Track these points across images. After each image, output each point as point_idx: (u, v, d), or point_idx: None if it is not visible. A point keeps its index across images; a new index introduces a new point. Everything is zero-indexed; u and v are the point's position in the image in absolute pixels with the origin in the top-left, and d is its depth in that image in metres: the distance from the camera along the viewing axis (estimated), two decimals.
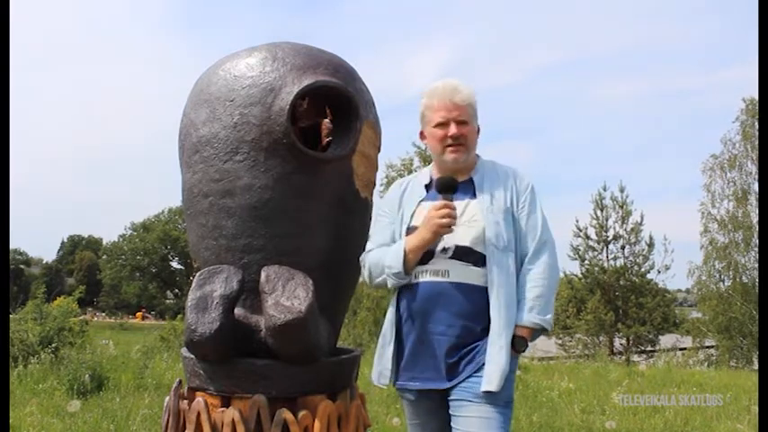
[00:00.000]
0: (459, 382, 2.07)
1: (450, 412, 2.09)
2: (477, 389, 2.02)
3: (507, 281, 2.08)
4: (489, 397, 2.01)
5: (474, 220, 2.13)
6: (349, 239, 2.36)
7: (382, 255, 2.19)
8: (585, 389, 7.43)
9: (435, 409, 2.14)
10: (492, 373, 2.01)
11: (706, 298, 21.10)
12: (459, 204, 2.15)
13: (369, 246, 2.28)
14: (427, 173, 2.30)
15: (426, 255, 2.12)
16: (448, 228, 2.05)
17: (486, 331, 2.07)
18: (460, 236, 2.10)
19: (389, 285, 2.19)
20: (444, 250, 2.11)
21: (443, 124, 2.17)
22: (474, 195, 2.18)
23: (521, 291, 2.11)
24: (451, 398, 2.08)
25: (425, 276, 2.13)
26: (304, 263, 2.24)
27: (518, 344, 2.08)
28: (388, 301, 2.30)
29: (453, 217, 2.04)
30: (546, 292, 2.11)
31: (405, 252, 2.11)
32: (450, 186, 2.10)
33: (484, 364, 2.03)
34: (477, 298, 2.08)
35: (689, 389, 7.50)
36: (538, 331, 2.14)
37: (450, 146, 2.17)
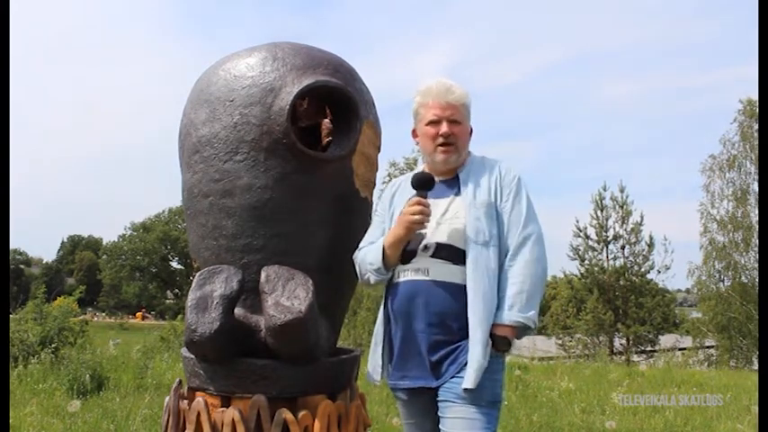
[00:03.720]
0: (444, 383, 2.06)
1: (438, 413, 2.08)
2: (459, 389, 2.01)
3: (486, 276, 2.05)
4: (471, 397, 2.00)
5: (456, 217, 2.11)
6: (349, 239, 2.36)
7: (367, 252, 2.21)
8: (585, 389, 7.42)
9: (428, 408, 2.13)
10: (469, 370, 1.99)
11: (706, 298, 21.11)
12: (444, 202, 2.15)
13: (361, 244, 2.29)
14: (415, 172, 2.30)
15: (409, 254, 2.12)
16: (420, 224, 2.05)
17: (467, 329, 2.05)
18: (442, 233, 2.10)
19: (372, 281, 2.20)
20: (426, 248, 2.11)
21: (436, 122, 2.17)
22: (459, 192, 2.16)
23: (502, 288, 2.07)
24: (438, 398, 2.08)
25: (407, 275, 2.13)
26: (304, 263, 2.24)
27: (499, 343, 2.03)
28: None
29: (426, 213, 2.04)
30: (527, 288, 2.05)
31: (383, 248, 2.13)
32: (425, 183, 2.10)
33: (466, 364, 2.02)
34: (458, 296, 2.06)
35: (689, 389, 7.50)
36: (521, 329, 2.08)
37: (441, 145, 2.16)
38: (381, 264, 2.13)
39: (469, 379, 1.98)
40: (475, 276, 2.05)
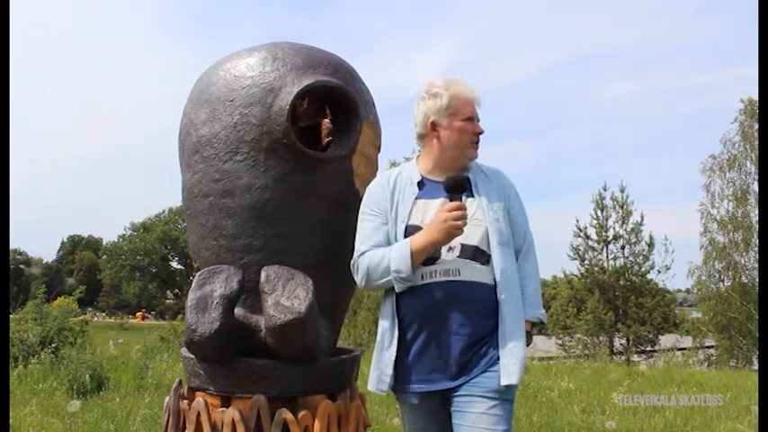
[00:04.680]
0: (469, 379, 2.05)
1: (455, 409, 2.06)
2: (489, 384, 2.01)
3: (513, 276, 2.13)
4: (503, 392, 2.03)
5: (475, 218, 2.12)
6: (349, 240, 2.36)
7: (382, 257, 2.10)
8: (585, 389, 7.42)
9: (435, 411, 2.13)
10: (511, 366, 2.02)
11: (706, 298, 21.11)
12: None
13: (361, 247, 2.17)
14: (415, 169, 2.25)
15: (432, 255, 2.09)
16: (460, 229, 2.04)
17: (495, 328, 2.08)
18: (465, 235, 2.09)
19: (397, 289, 2.11)
20: (450, 249, 2.09)
21: (471, 119, 2.18)
22: (471, 194, 2.17)
23: (520, 286, 2.17)
24: (458, 394, 2.05)
25: (436, 276, 2.08)
26: (304, 263, 2.24)
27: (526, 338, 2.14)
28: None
29: (465, 218, 2.03)
30: (538, 288, 2.21)
31: (411, 253, 2.05)
32: (461, 186, 2.07)
33: (498, 359, 2.04)
34: (486, 296, 2.08)
35: (689, 389, 7.50)
36: (536, 325, 2.21)
37: (475, 143, 2.20)
38: (411, 272, 2.06)
39: (513, 375, 2.02)
40: (505, 276, 2.10)
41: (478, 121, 2.21)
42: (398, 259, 2.06)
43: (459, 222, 2.01)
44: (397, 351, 2.13)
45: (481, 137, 2.21)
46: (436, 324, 2.08)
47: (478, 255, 2.10)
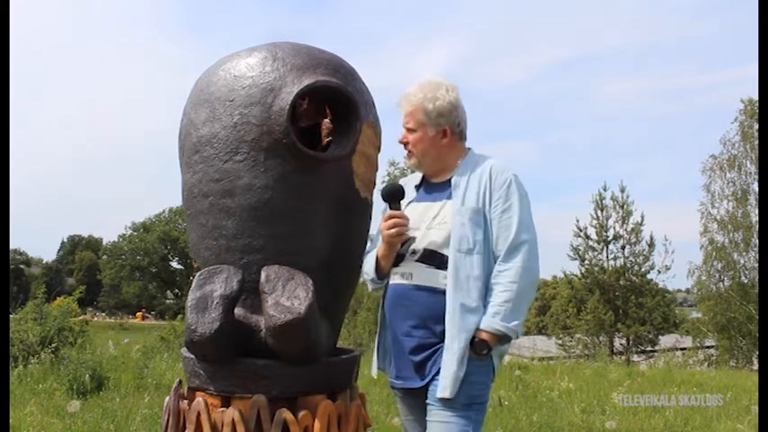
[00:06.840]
0: (427, 383, 2.10)
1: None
2: (436, 392, 2.05)
3: (466, 285, 2.02)
4: (445, 401, 2.02)
5: (444, 222, 2.13)
6: (349, 240, 2.36)
7: (366, 260, 2.26)
8: (585, 389, 7.43)
9: (423, 405, 2.16)
10: (445, 379, 2.00)
11: (706, 298, 21.14)
12: (437, 206, 2.18)
13: (367, 248, 2.30)
14: (419, 174, 2.33)
15: (399, 257, 2.18)
16: (398, 236, 2.07)
17: None
18: (429, 238, 2.13)
19: (370, 289, 2.29)
20: (413, 253, 2.13)
21: (405, 130, 2.27)
22: (450, 196, 2.17)
23: (489, 294, 2.05)
24: (426, 400, 2.11)
25: (394, 279, 2.18)
26: (304, 263, 2.24)
27: (477, 346, 2.02)
28: None
29: (401, 225, 2.07)
30: (514, 297, 2.02)
31: (377, 259, 2.18)
32: (395, 195, 2.13)
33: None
34: (440, 301, 2.06)
35: (689, 389, 7.51)
36: (503, 338, 2.06)
37: (410, 151, 2.25)
38: (375, 274, 2.20)
39: (446, 389, 2.00)
40: (455, 285, 2.04)
41: (408, 131, 2.23)
42: (369, 263, 2.22)
43: (392, 231, 2.07)
44: (382, 345, 2.30)
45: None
46: (394, 325, 2.17)
47: (436, 259, 2.10)
